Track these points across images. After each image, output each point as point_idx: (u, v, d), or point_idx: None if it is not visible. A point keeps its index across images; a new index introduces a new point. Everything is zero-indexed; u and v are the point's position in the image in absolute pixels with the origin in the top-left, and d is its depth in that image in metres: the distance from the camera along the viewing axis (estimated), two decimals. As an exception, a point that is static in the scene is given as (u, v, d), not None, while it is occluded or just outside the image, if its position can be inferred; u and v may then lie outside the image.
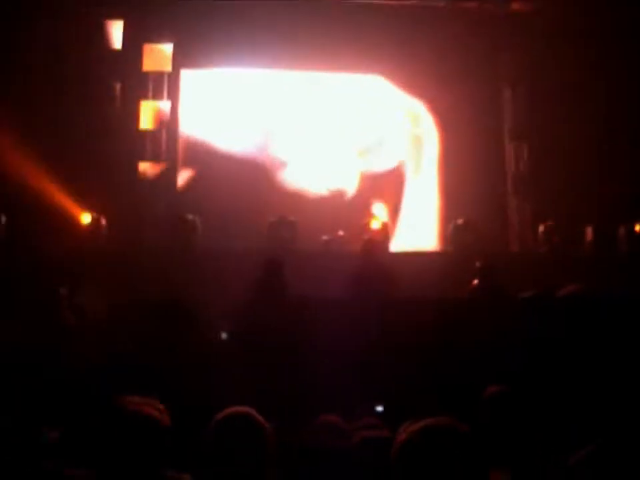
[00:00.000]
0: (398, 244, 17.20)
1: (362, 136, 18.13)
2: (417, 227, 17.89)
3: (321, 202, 17.42)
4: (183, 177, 17.27)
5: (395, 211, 17.83)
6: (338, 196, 17.81)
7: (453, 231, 15.92)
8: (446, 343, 8.97)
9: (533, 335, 9.80)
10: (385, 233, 15.71)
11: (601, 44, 16.51)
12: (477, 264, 11.83)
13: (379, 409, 8.13)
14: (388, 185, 17.96)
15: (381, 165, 18.17)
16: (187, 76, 17.72)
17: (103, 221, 14.52)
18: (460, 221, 15.93)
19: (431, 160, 18.25)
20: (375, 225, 15.70)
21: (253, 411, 4.09)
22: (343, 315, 10.00)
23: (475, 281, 11.58)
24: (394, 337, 9.26)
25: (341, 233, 16.26)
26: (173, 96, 17.29)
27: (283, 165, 17.77)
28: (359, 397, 7.96)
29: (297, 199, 17.16)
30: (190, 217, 15.22)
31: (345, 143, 18.06)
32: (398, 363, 8.88)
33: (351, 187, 17.96)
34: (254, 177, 17.12)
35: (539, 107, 17.63)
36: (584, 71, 16.47)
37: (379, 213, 17.01)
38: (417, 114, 18.33)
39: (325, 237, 15.68)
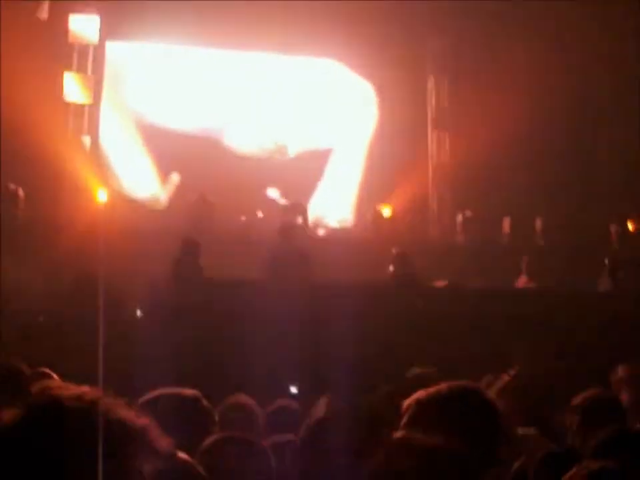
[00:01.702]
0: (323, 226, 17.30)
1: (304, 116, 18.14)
2: (341, 209, 17.95)
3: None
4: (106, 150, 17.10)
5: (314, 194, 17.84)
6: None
7: (372, 217, 16.06)
8: (362, 327, 9.06)
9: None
10: (304, 216, 15.74)
11: (530, 35, 16.65)
12: (393, 251, 11.94)
13: (293, 390, 8.20)
14: (318, 166, 18.01)
15: (316, 144, 18.21)
16: (123, 49, 17.58)
17: (21, 193, 14.32)
18: (379, 207, 16.07)
19: (361, 144, 18.33)
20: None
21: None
22: (260, 296, 10.04)
23: (391, 268, 11.69)
24: (311, 319, 9.31)
25: (260, 214, 16.29)
26: (98, 68, 17.07)
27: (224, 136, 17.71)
28: (274, 378, 8.02)
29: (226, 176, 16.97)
30: (110, 192, 15.13)
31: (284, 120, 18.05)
32: (314, 345, 8.96)
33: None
34: (189, 152, 16.92)
35: (461, 97, 17.80)
36: (510, 63, 16.66)
37: (275, 196, 16.85)
38: (362, 96, 18.41)
39: (243, 218, 15.69)
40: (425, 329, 9.60)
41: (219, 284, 10.54)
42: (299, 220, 14.98)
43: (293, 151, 18.12)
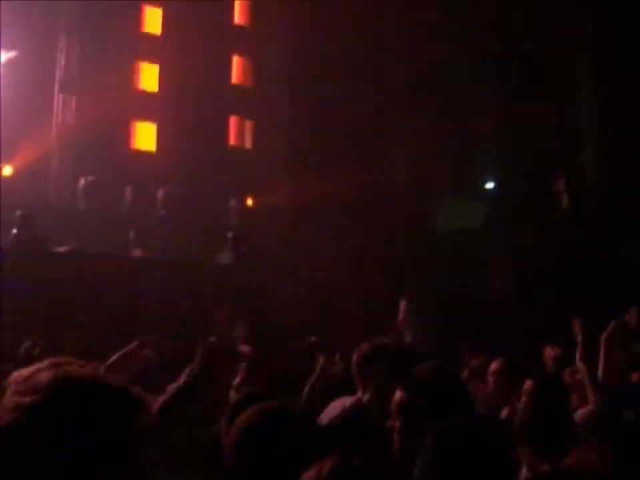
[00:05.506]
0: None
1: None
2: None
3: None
4: None
5: None
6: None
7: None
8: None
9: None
10: None
11: None
12: (17, 213, 11.69)
13: None
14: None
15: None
16: None
17: None
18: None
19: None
20: None
21: None
22: None
23: (14, 230, 11.46)
24: None
25: None
26: None
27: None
28: None
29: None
30: None
31: None
32: None
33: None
34: None
35: (91, 59, 17.57)
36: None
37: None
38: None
39: None
40: (49, 294, 9.63)
41: None
42: None
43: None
